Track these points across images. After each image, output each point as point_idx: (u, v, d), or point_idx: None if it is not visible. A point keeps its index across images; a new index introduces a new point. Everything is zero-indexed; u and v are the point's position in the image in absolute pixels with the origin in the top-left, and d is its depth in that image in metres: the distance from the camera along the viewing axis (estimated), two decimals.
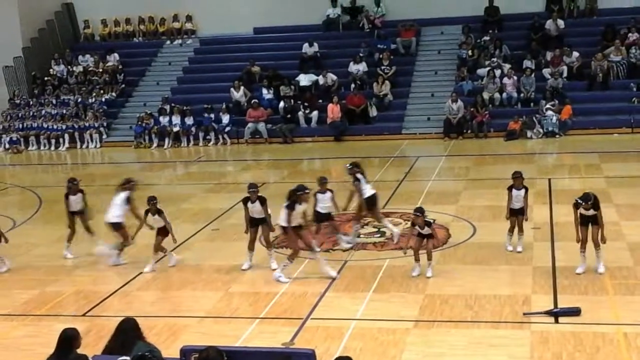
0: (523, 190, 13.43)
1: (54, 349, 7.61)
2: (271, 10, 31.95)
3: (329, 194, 14.19)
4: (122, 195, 14.02)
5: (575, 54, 27.52)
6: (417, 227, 12.63)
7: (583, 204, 11.95)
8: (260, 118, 27.78)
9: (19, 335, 11.18)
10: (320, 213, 14.20)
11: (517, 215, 13.50)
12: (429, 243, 12.72)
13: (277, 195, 18.87)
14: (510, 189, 13.54)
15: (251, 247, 13.36)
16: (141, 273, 13.43)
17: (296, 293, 12.18)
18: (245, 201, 13.34)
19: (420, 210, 12.64)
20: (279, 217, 12.79)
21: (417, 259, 12.62)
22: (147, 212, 13.58)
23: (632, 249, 13.40)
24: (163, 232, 13.59)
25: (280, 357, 7.10)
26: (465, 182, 19.88)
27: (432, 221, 13.39)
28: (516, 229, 13.55)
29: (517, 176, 13.53)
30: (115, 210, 13.94)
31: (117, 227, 13.92)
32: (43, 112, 30.27)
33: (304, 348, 8.58)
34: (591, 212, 12.01)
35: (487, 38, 28.97)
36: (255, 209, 13.23)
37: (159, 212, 13.53)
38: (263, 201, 13.28)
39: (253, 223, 13.33)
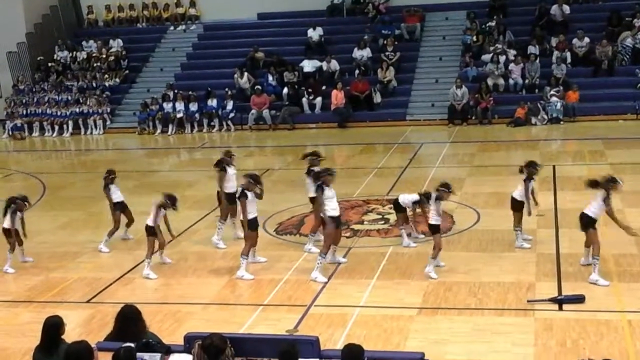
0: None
1: (41, 339, 7.37)
2: None
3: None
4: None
5: (586, 39, 27.36)
6: (432, 210, 11.95)
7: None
8: (264, 105, 27.69)
9: (23, 321, 11.18)
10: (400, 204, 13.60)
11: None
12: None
13: (280, 182, 19.00)
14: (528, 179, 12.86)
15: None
16: (144, 260, 13.41)
17: (300, 280, 12.18)
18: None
19: (447, 186, 11.93)
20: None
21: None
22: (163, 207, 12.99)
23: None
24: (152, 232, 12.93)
25: (284, 344, 7.08)
26: (469, 169, 19.82)
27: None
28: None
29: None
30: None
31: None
32: (47, 98, 30.25)
33: (307, 335, 8.57)
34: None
35: (492, 24, 28.82)
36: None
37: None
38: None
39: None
